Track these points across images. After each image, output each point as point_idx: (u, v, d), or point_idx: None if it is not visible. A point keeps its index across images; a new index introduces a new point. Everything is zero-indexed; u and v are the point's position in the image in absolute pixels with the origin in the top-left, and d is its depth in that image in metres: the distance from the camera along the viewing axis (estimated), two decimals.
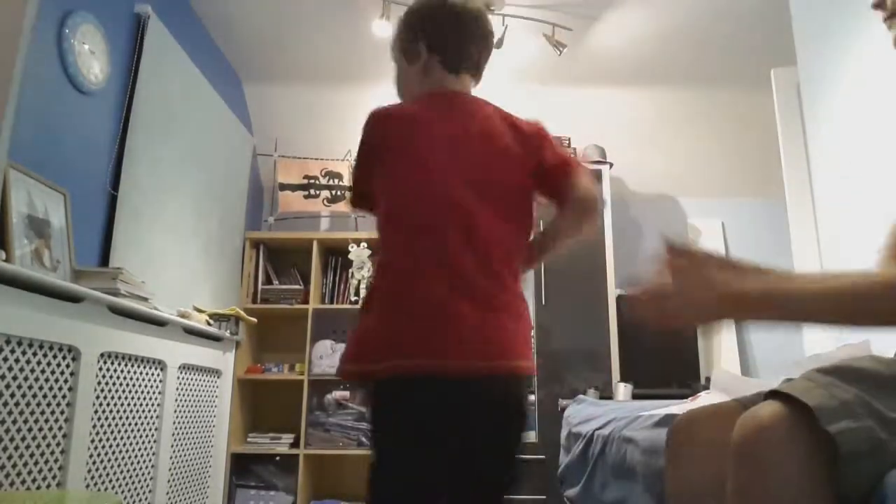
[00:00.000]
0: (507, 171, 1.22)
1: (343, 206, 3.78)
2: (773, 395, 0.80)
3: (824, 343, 2.12)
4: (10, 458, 1.50)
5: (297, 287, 3.62)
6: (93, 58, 2.20)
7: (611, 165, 3.67)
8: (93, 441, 1.83)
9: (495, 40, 1.40)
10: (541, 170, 1.25)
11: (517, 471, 1.19)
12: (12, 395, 1.51)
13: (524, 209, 1.25)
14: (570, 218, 1.27)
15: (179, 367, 2.38)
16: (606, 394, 3.08)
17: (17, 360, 1.53)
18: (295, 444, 3.39)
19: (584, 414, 2.32)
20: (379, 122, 1.24)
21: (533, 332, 3.25)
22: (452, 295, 1.10)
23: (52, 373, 1.66)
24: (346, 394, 3.48)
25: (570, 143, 3.74)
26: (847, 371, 0.81)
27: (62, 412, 1.69)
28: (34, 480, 1.58)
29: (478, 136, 1.23)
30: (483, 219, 1.16)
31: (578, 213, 1.26)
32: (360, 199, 1.31)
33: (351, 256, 3.59)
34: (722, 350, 3.83)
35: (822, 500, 0.74)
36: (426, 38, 1.30)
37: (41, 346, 1.62)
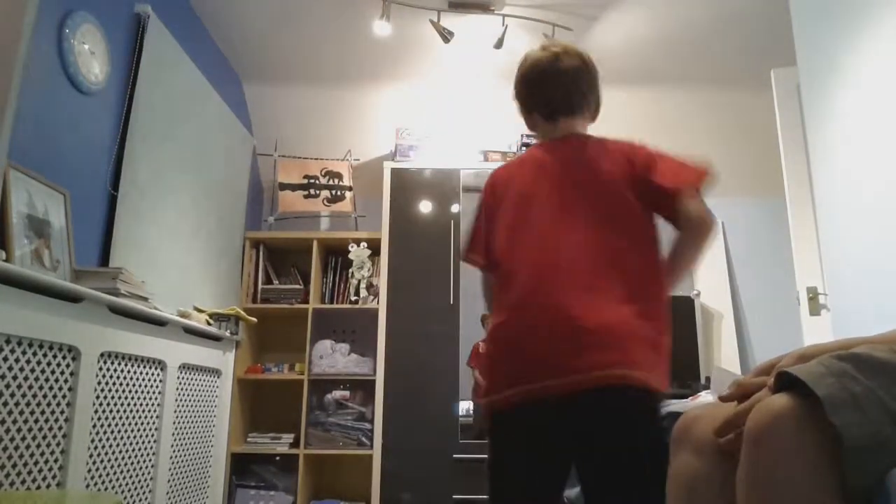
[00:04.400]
0: (603, 197, 1.31)
1: (343, 206, 3.78)
2: (785, 376, 0.80)
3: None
4: (10, 458, 1.50)
5: (297, 287, 3.62)
6: (93, 58, 2.19)
7: None
8: (93, 441, 1.83)
9: (577, 70, 1.56)
10: (648, 192, 1.30)
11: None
12: (12, 395, 1.51)
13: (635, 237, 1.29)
14: (680, 242, 1.30)
15: (179, 367, 2.38)
16: None
17: (17, 360, 1.53)
18: (295, 444, 3.39)
19: None
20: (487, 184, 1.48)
21: None
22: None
23: (52, 373, 1.66)
24: (346, 394, 3.49)
25: None
26: (864, 360, 0.80)
27: (62, 412, 1.70)
28: (34, 480, 1.58)
29: (573, 174, 1.36)
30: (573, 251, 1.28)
31: (686, 238, 1.28)
32: None
33: (351, 256, 3.59)
34: (722, 350, 3.83)
35: (830, 489, 0.75)
36: (520, 102, 1.54)
37: (41, 346, 1.62)
